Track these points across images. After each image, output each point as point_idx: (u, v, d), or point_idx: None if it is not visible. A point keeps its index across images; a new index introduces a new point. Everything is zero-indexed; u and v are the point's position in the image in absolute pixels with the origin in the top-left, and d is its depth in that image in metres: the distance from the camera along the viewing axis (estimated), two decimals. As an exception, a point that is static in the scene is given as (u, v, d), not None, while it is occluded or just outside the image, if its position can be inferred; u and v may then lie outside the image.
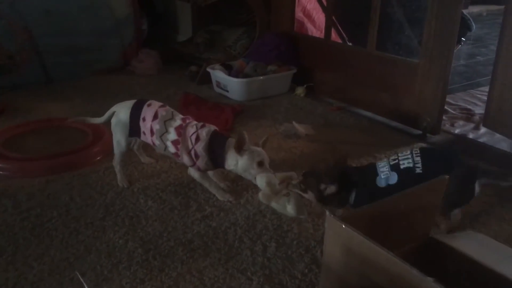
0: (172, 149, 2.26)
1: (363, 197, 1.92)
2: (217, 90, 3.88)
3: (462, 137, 3.12)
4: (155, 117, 2.26)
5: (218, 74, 3.80)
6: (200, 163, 2.22)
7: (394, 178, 1.87)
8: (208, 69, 3.88)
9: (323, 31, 3.92)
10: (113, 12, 4.18)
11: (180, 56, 4.58)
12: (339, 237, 1.30)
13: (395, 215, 1.48)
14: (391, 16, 3.88)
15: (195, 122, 2.29)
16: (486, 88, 3.28)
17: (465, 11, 5.39)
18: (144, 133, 2.31)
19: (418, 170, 1.85)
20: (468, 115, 3.48)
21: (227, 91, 3.76)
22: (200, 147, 2.18)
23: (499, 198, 2.33)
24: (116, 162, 2.44)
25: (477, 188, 1.88)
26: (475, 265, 1.43)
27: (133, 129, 2.33)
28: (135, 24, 4.40)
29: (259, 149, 2.20)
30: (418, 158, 1.87)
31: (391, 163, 1.91)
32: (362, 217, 1.44)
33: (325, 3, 4.03)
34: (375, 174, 1.91)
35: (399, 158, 1.91)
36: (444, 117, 3.18)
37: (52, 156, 2.63)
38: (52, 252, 1.92)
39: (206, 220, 2.15)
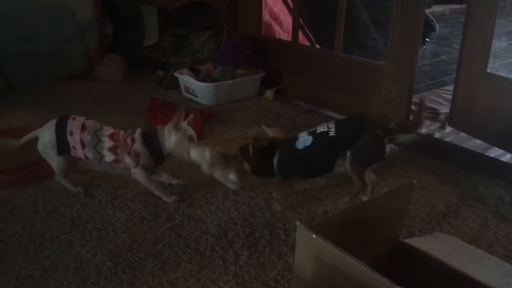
0: (110, 156, 2.24)
1: (284, 160, 2.19)
2: (186, 94, 3.84)
3: (429, 137, 3.17)
4: (83, 128, 2.23)
5: (186, 79, 3.76)
6: (143, 159, 2.24)
7: (309, 141, 2.15)
8: (176, 74, 3.84)
9: (291, 34, 3.93)
10: (76, 17, 4.08)
11: (147, 60, 4.51)
12: (309, 247, 1.29)
13: (364, 221, 1.48)
14: (357, 18, 3.92)
15: (123, 131, 2.31)
16: (451, 87, 3.34)
17: (428, 11, 5.51)
18: (74, 147, 2.25)
19: (332, 133, 2.13)
20: (434, 115, 3.54)
21: (196, 96, 3.73)
22: (138, 145, 2.23)
23: (465, 197, 2.38)
24: (59, 178, 2.39)
25: (387, 149, 2.15)
26: (444, 267, 1.45)
27: (61, 146, 2.25)
28: (99, 29, 4.31)
29: (188, 126, 2.27)
30: (332, 125, 2.16)
31: (310, 130, 2.21)
32: (332, 224, 1.44)
33: (291, 5, 4.04)
34: (296, 139, 2.19)
35: (317, 127, 2.20)
36: (410, 117, 3.22)
37: (15, 168, 2.54)
38: (17, 269, 1.86)
39: (176, 229, 2.12)
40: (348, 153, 2.12)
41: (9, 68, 3.81)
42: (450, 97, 3.22)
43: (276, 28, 4.39)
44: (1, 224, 2.14)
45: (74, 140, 2.22)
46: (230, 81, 3.69)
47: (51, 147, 2.26)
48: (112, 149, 2.23)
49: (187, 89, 3.81)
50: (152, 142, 2.25)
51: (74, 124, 2.23)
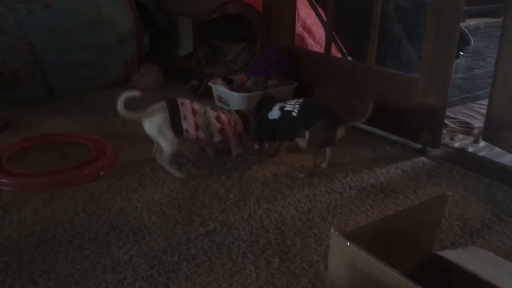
0: (218, 137, 2.66)
1: (259, 125, 2.77)
2: (219, 104, 3.91)
3: (462, 151, 3.15)
4: (194, 113, 2.58)
5: (219, 89, 3.84)
6: (244, 140, 2.79)
7: (277, 115, 2.63)
8: (210, 84, 3.92)
9: (323, 46, 3.96)
10: (115, 28, 4.21)
11: (181, 70, 4.62)
12: (343, 254, 1.31)
13: (398, 231, 1.50)
14: (391, 31, 3.92)
15: (219, 110, 2.79)
16: (485, 101, 3.31)
17: (462, 25, 5.46)
18: (187, 130, 2.56)
19: (294, 114, 2.57)
20: (467, 129, 3.51)
21: (229, 105, 3.80)
22: (239, 127, 2.75)
23: (500, 212, 2.35)
24: (166, 161, 2.65)
25: (342, 132, 2.62)
26: (477, 280, 1.45)
27: (177, 128, 2.55)
28: (137, 39, 4.43)
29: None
30: (297, 106, 2.59)
31: (281, 104, 2.68)
32: (366, 233, 1.46)
33: (325, 18, 4.08)
34: (270, 110, 2.68)
35: (287, 103, 2.67)
36: (443, 131, 3.21)
37: (56, 171, 2.64)
38: (57, 268, 1.94)
39: (209, 235, 2.17)
40: (307, 133, 2.55)
41: (51, 76, 3.96)
42: (484, 111, 3.19)
43: (309, 40, 4.44)
44: (43, 225, 2.24)
45: (188, 123, 2.55)
46: (262, 92, 3.74)
47: (167, 127, 2.53)
48: (221, 131, 2.64)
49: (220, 98, 3.89)
50: (247, 124, 2.79)
51: (186, 109, 2.56)
